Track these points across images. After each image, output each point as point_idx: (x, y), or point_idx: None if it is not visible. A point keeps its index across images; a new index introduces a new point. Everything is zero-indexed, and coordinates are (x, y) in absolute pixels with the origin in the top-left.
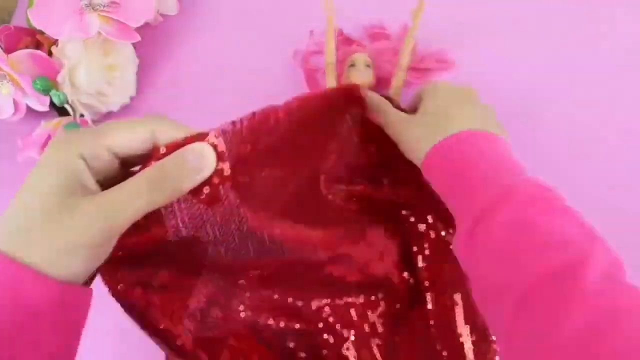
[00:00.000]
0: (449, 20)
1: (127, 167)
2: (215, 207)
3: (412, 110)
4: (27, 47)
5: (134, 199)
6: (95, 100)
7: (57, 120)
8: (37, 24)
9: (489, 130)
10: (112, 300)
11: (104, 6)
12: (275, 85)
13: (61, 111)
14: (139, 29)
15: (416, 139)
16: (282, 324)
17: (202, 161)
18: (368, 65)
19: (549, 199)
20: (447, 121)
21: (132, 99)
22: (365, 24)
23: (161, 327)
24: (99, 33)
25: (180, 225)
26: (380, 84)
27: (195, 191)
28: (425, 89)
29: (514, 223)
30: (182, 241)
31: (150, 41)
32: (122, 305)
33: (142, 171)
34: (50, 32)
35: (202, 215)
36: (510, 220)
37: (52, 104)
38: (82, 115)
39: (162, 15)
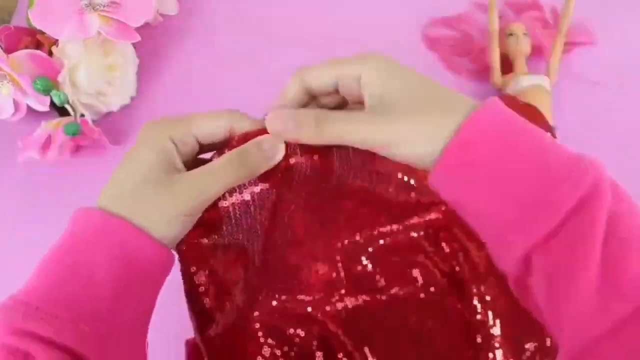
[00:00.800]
0: None
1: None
2: (279, 189)
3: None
4: (27, 47)
5: (223, 175)
6: (96, 100)
7: (57, 121)
8: (37, 24)
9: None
10: None
11: (104, 6)
12: (274, 85)
13: (61, 111)
14: (139, 29)
15: (407, 139)
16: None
17: (275, 149)
18: (525, 34)
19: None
20: (444, 107)
21: (132, 99)
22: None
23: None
24: (99, 33)
25: (250, 200)
26: (534, 52)
27: (265, 175)
28: (360, 76)
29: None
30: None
31: (150, 41)
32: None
33: (227, 153)
34: (50, 32)
35: (266, 195)
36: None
37: (52, 104)
38: (82, 115)
39: (162, 15)
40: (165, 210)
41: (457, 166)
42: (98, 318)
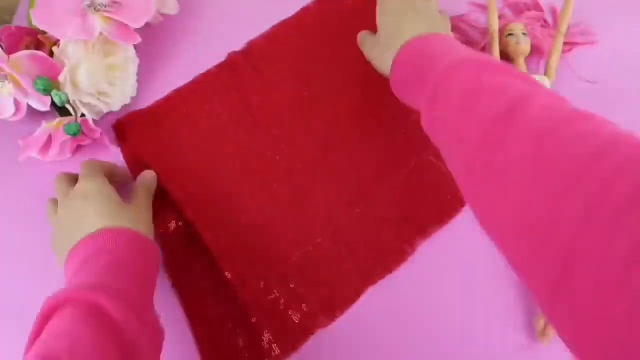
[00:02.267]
0: None
1: None
2: None
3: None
4: (28, 47)
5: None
6: (97, 100)
7: (58, 120)
8: (39, 25)
9: (434, 31)
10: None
11: (105, 6)
12: None
13: (62, 111)
14: (139, 29)
15: (379, 58)
16: None
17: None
18: (525, 34)
19: (494, 65)
20: (398, 36)
21: (132, 98)
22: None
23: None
24: (100, 33)
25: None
26: (534, 52)
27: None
28: (378, 6)
29: (465, 89)
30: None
31: (151, 41)
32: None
33: (139, 193)
34: (53, 33)
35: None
36: (461, 88)
37: (53, 104)
38: (82, 115)
39: (162, 15)
40: (146, 222)
41: (395, 81)
42: (136, 292)
